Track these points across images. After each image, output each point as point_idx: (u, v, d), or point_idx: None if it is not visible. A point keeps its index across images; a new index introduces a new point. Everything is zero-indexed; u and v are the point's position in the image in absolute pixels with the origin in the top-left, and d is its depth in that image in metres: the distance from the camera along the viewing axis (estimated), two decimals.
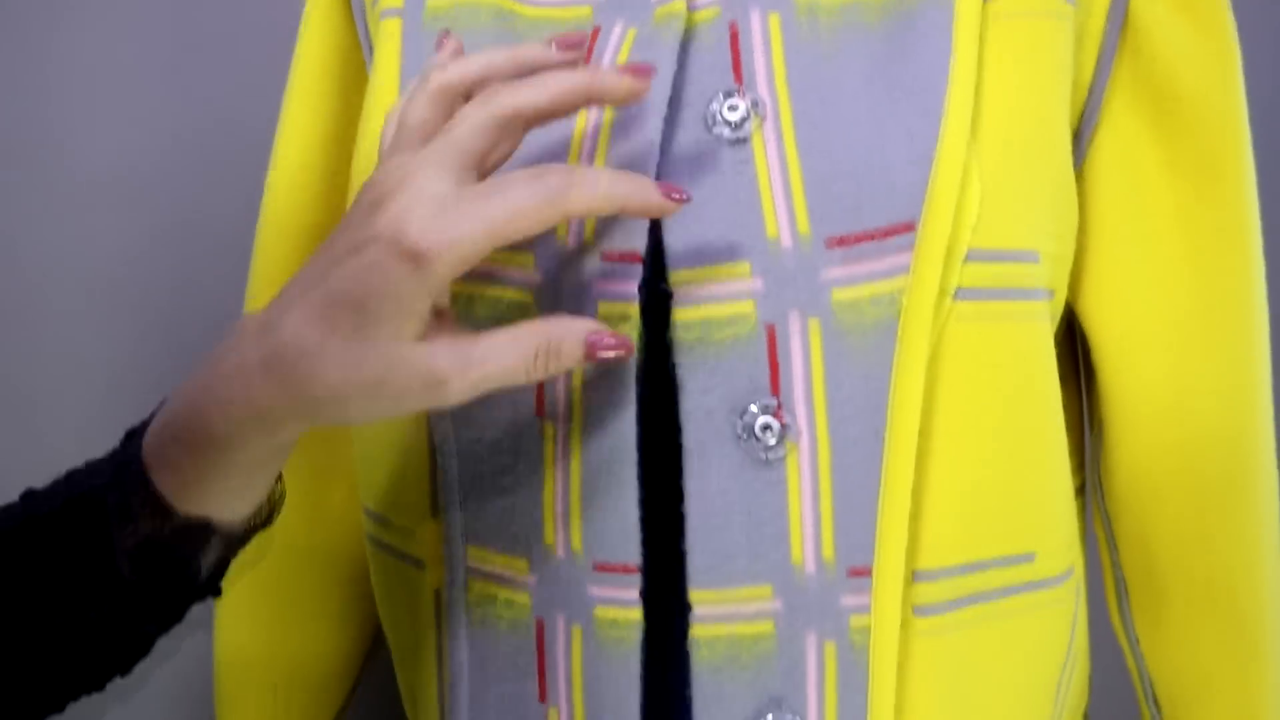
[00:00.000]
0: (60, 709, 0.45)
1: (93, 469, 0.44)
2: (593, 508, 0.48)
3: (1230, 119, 0.52)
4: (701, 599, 0.48)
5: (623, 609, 0.49)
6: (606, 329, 0.41)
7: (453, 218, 0.38)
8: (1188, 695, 0.61)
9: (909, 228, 0.45)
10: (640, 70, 0.42)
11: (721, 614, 0.48)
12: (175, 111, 0.92)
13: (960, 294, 0.46)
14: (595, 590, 0.49)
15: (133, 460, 0.42)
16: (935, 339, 0.46)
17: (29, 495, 0.46)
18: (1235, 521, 0.56)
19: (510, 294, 0.48)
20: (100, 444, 0.47)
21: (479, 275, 0.49)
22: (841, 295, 0.46)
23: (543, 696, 0.51)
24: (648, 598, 0.49)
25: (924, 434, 0.47)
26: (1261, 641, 0.58)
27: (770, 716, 0.48)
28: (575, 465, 0.48)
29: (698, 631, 0.48)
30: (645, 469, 0.48)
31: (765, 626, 0.48)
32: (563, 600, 0.50)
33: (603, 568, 0.49)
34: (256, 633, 0.71)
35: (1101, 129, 0.52)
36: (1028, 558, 0.51)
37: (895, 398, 0.45)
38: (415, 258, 0.37)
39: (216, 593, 0.46)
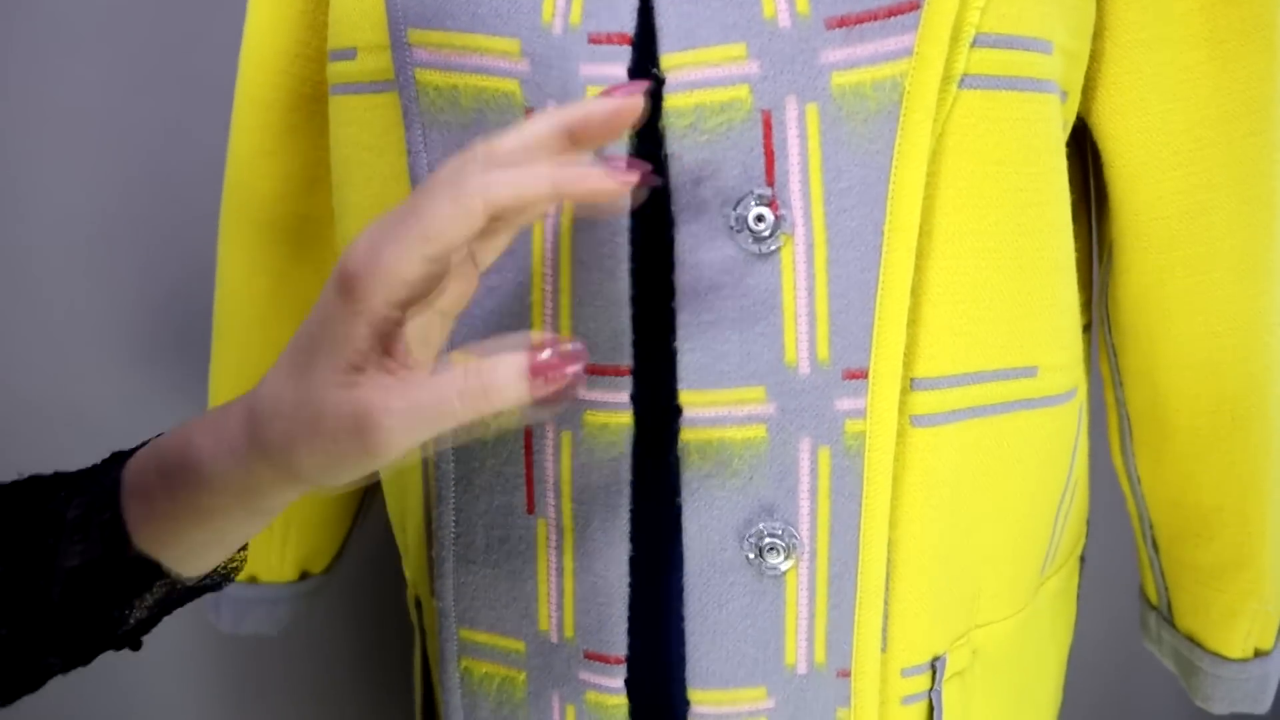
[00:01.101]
0: None
1: (65, 479, 0.42)
2: (582, 307, 0.47)
3: None
4: (692, 401, 0.46)
5: (613, 413, 0.47)
6: (544, 357, 0.36)
7: (377, 243, 0.35)
8: (1188, 531, 0.60)
9: (913, 6, 0.42)
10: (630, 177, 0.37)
11: (712, 417, 0.46)
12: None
13: (966, 81, 0.44)
14: (585, 393, 0.48)
15: (110, 478, 0.40)
16: (939, 129, 0.44)
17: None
18: (1244, 347, 0.55)
19: (496, 83, 0.46)
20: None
21: (463, 65, 0.46)
22: (842, 79, 0.43)
23: (531, 508, 0.50)
24: (639, 405, 0.47)
25: (925, 231, 0.45)
26: (1264, 474, 0.57)
27: (761, 525, 0.47)
28: (565, 261, 0.46)
29: (687, 436, 0.47)
30: (639, 265, 0.46)
31: (757, 431, 0.46)
32: None
33: (594, 370, 0.47)
34: None
35: None
36: (1030, 371, 0.49)
37: (895, 188, 0.43)
38: (345, 287, 0.35)
39: (136, 646, 0.43)
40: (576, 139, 0.38)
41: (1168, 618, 0.65)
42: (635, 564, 0.49)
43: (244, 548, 0.44)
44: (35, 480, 0.42)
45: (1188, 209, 0.52)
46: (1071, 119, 0.51)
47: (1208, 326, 0.54)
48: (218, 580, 0.44)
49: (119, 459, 0.41)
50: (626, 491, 0.48)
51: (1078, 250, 0.60)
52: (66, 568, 0.39)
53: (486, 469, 0.51)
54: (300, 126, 0.64)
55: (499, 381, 0.35)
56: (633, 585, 0.49)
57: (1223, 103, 0.51)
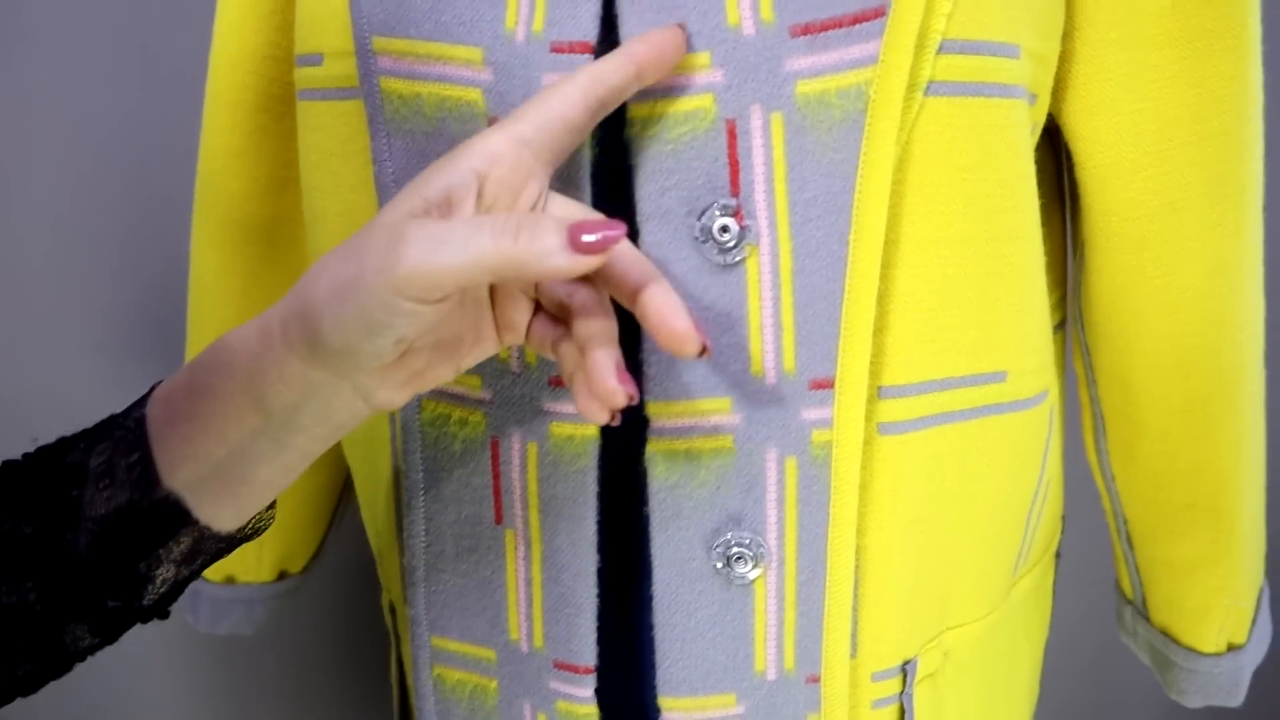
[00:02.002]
0: None
1: (85, 432, 0.41)
2: None
3: None
4: (658, 412, 0.46)
5: (579, 424, 0.47)
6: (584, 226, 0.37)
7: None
8: (1161, 529, 0.61)
9: (878, 13, 0.42)
10: None
11: (679, 428, 0.46)
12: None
13: (932, 88, 0.43)
14: (550, 406, 0.47)
15: (134, 418, 0.39)
16: (905, 136, 0.44)
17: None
18: (1215, 347, 0.54)
19: (459, 92, 0.46)
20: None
21: (427, 74, 0.46)
22: (806, 87, 0.43)
23: (499, 519, 0.50)
24: None
25: (891, 239, 0.45)
26: (1236, 472, 0.57)
27: (729, 534, 0.47)
28: None
29: (654, 446, 0.46)
30: None
31: (724, 441, 0.46)
32: (517, 418, 0.48)
33: (557, 381, 0.47)
34: None
35: None
36: (999, 377, 0.49)
37: (861, 198, 0.43)
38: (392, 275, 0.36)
39: (164, 614, 0.43)
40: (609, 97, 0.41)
41: (1143, 612, 0.66)
42: (603, 574, 0.49)
43: (272, 506, 0.44)
44: (52, 444, 0.42)
45: (1159, 209, 0.52)
46: (1041, 120, 0.51)
47: (1179, 326, 0.54)
48: (244, 535, 0.43)
49: (143, 398, 0.41)
50: (593, 503, 0.48)
51: (1051, 249, 0.59)
52: (93, 516, 0.39)
53: (454, 479, 0.50)
54: (270, 127, 0.63)
55: (536, 228, 0.36)
56: (601, 595, 0.49)
57: (1194, 102, 0.50)
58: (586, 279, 0.41)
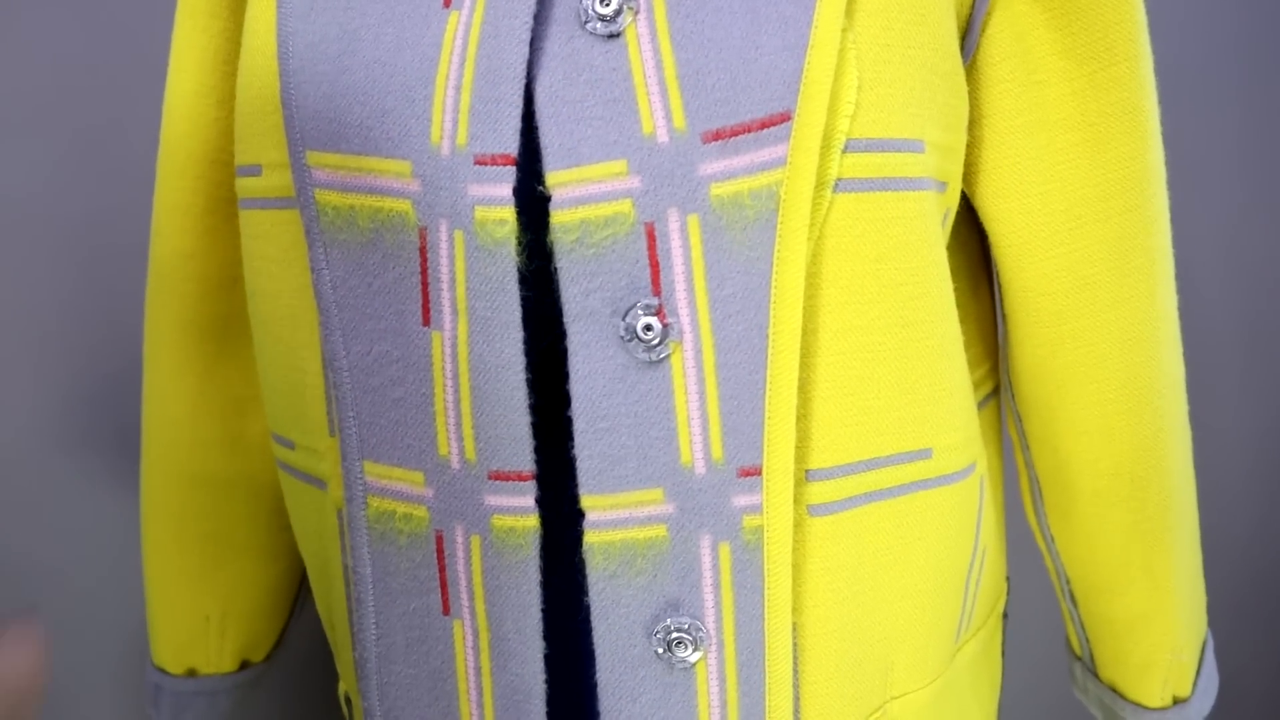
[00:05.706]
0: None
1: None
2: (484, 416, 0.48)
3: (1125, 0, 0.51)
4: (593, 504, 0.47)
5: (519, 517, 0.48)
6: None
7: None
8: (1100, 587, 0.62)
9: (785, 118, 0.44)
10: None
11: (614, 519, 0.47)
12: (79, 42, 0.90)
13: (841, 185, 0.45)
14: (491, 499, 0.49)
15: None
16: (817, 232, 0.46)
17: None
18: (1136, 413, 0.56)
19: (390, 203, 0.47)
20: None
21: (359, 186, 0.48)
22: (720, 190, 0.45)
23: (446, 609, 0.51)
24: (544, 505, 0.49)
25: (810, 330, 0.46)
26: (1166, 531, 0.59)
27: (668, 620, 0.48)
28: (464, 374, 0.48)
29: (591, 538, 0.48)
30: (535, 374, 0.47)
31: (658, 530, 0.47)
32: (459, 511, 0.49)
33: (497, 476, 0.48)
34: (185, 566, 0.71)
35: (994, 16, 0.51)
36: (924, 454, 0.50)
37: (777, 293, 0.45)
38: None
39: None
40: None
41: (1091, 668, 0.67)
42: (551, 661, 0.50)
43: None
44: None
45: (1072, 284, 0.54)
46: (955, 205, 0.53)
47: (1100, 394, 0.56)
48: None
49: None
50: (537, 592, 0.49)
51: (981, 320, 0.61)
52: None
53: (402, 573, 0.51)
54: (220, 228, 0.65)
55: None
56: (550, 681, 0.50)
57: (1099, 182, 0.53)
58: None
